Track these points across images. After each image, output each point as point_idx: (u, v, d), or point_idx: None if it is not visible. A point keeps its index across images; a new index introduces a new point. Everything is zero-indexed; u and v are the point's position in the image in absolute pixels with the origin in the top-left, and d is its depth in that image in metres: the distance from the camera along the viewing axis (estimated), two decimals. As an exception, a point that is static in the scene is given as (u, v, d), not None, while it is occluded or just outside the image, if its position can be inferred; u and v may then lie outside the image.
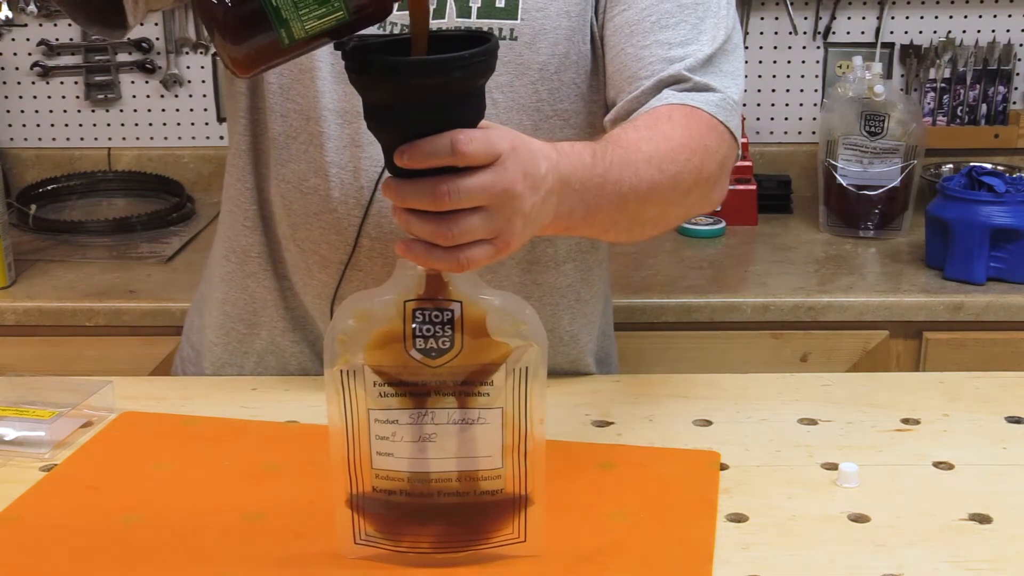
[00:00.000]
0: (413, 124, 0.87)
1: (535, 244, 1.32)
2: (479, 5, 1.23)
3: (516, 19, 1.23)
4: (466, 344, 0.92)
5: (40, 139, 2.52)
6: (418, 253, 0.90)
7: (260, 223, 1.34)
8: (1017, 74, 2.46)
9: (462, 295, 0.92)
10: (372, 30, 0.92)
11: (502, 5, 1.23)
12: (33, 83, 2.48)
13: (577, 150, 1.04)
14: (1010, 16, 2.45)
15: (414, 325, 0.92)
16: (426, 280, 0.92)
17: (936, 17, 2.45)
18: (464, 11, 1.23)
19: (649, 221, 1.16)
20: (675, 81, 1.20)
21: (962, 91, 2.45)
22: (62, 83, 2.49)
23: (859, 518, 1.06)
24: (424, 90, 0.86)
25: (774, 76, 2.49)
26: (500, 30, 1.23)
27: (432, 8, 1.22)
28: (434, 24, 1.22)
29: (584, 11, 1.26)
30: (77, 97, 2.49)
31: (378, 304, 0.93)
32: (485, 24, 1.22)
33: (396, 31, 1.22)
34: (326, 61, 1.24)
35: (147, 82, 2.49)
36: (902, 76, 2.48)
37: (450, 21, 1.23)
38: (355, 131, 1.25)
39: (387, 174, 0.91)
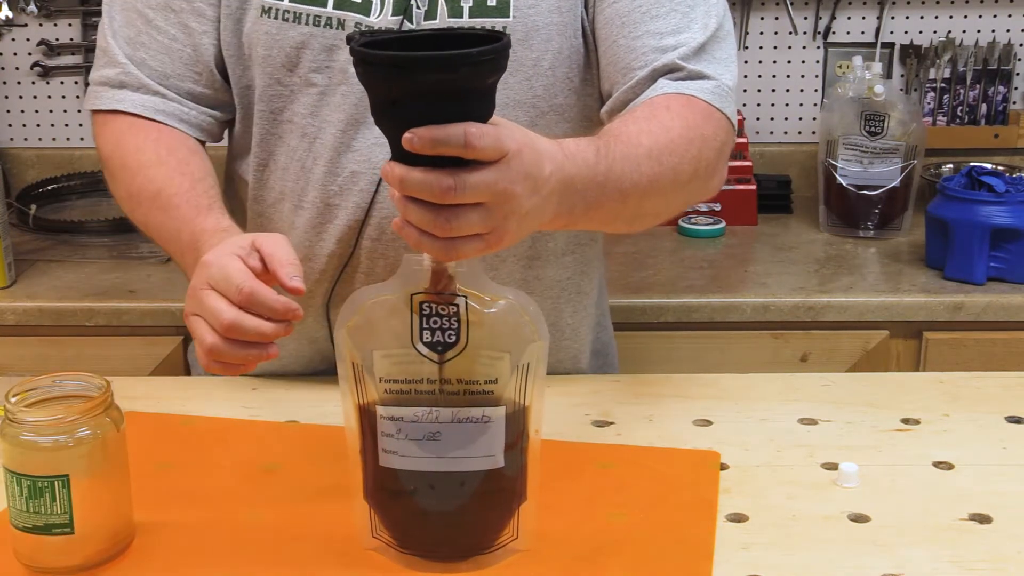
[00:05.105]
0: (421, 119, 0.88)
1: (535, 239, 1.33)
2: (471, 4, 1.23)
3: (508, 16, 1.23)
4: (471, 339, 0.92)
5: (40, 139, 2.52)
6: (410, 235, 0.91)
7: (259, 225, 1.34)
8: (1017, 74, 2.46)
9: (467, 290, 0.93)
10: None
11: (494, 3, 1.23)
12: (33, 83, 2.48)
13: (582, 149, 1.04)
14: (1010, 16, 2.45)
15: (421, 318, 0.92)
16: (432, 274, 0.92)
17: (936, 17, 2.45)
18: (456, 11, 1.23)
19: (650, 213, 1.17)
20: (669, 70, 1.21)
21: (962, 91, 2.45)
22: (62, 83, 2.49)
23: (859, 518, 1.06)
24: (432, 86, 0.87)
25: (774, 76, 2.49)
26: (492, 28, 1.23)
27: (424, 9, 1.23)
28: (426, 25, 1.23)
29: (575, 6, 1.26)
30: (77, 97, 2.49)
31: (385, 298, 0.93)
32: (478, 23, 1.22)
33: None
34: None
35: (147, 82, 2.49)
36: (902, 76, 2.48)
37: (442, 21, 1.23)
38: (356, 136, 1.25)
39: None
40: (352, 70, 0.99)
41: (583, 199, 1.04)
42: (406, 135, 0.88)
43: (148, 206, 1.24)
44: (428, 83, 0.87)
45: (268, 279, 1.02)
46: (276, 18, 1.24)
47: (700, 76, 1.21)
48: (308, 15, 1.23)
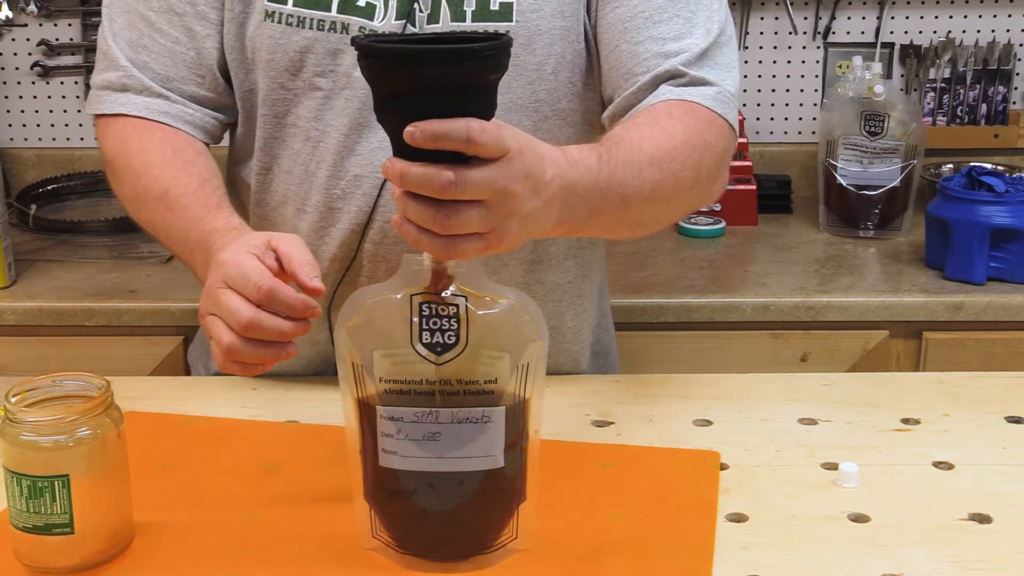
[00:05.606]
0: (423, 114, 0.88)
1: (537, 243, 1.33)
2: (473, 8, 1.23)
3: (511, 21, 1.23)
4: (471, 339, 0.92)
5: (40, 139, 2.52)
6: (410, 231, 0.91)
7: (261, 229, 1.34)
8: (1017, 74, 2.46)
9: (467, 290, 0.92)
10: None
11: (496, 8, 1.23)
12: (33, 83, 2.48)
13: (584, 156, 1.04)
14: (1010, 16, 2.45)
15: (421, 319, 0.92)
16: (432, 274, 0.92)
17: (936, 17, 2.45)
18: (459, 15, 1.23)
19: (651, 220, 1.17)
20: (671, 76, 1.21)
21: (962, 91, 2.45)
22: (62, 83, 2.49)
23: (859, 518, 1.06)
24: (435, 79, 0.87)
25: (774, 76, 2.49)
26: (495, 31, 1.23)
27: (427, 13, 1.23)
28: (428, 29, 1.23)
29: (577, 10, 1.26)
30: (77, 97, 2.49)
31: (385, 298, 0.93)
32: (480, 27, 1.23)
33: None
34: None
35: (147, 82, 2.49)
36: (902, 76, 2.48)
37: (444, 25, 1.23)
38: (359, 140, 1.25)
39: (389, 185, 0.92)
40: (356, 74, 0.99)
41: (586, 205, 1.04)
42: (408, 128, 0.88)
43: (155, 207, 1.23)
44: (431, 76, 0.87)
45: (284, 279, 1.02)
46: (280, 22, 1.24)
47: (702, 82, 1.21)
48: (312, 19, 1.23)
